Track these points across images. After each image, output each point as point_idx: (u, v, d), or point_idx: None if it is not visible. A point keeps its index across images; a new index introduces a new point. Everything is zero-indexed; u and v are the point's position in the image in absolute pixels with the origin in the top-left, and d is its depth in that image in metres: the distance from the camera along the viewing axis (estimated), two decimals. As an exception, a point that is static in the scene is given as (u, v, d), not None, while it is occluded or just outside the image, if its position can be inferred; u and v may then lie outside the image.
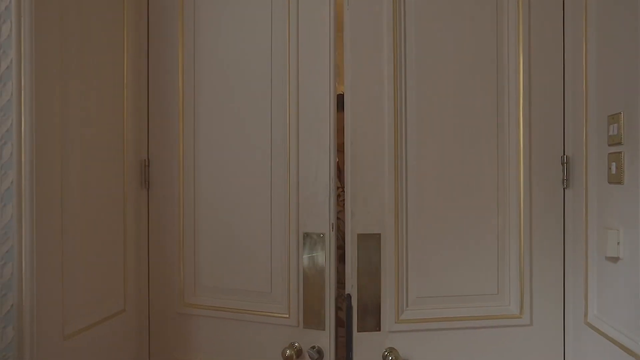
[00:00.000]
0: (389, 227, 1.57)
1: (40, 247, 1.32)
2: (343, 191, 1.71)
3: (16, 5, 1.28)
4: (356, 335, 1.57)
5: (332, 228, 1.58)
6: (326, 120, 1.59)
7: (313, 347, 1.59)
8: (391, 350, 1.57)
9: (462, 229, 1.59)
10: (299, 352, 1.60)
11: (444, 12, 1.60)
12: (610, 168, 1.38)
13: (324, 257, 1.58)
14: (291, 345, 1.61)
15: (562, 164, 1.60)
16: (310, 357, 1.58)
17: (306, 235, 1.60)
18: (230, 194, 1.71)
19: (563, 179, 1.60)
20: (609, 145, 1.39)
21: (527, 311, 1.60)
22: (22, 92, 1.28)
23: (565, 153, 1.60)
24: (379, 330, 1.58)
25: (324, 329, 1.59)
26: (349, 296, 1.57)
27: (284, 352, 1.59)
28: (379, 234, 1.57)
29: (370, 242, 1.57)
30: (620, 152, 1.33)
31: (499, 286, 1.61)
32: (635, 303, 1.27)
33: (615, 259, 1.36)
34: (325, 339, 1.59)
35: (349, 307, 1.57)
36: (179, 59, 1.76)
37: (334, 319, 1.60)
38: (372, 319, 1.57)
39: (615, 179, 1.35)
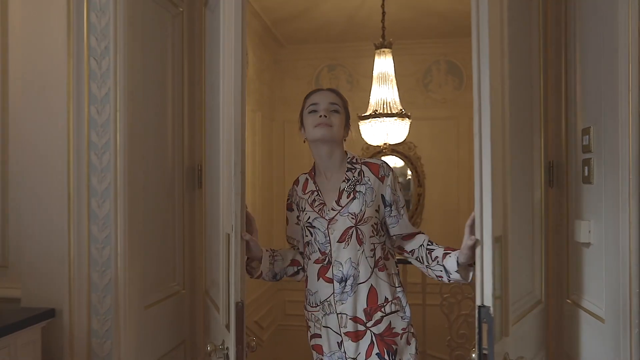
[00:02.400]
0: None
1: (129, 235, 1.74)
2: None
3: (113, 46, 1.70)
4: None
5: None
6: None
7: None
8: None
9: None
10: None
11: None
12: (583, 171, 1.77)
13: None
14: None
15: (550, 167, 1.98)
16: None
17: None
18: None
19: (549, 180, 1.99)
20: (583, 152, 1.78)
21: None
22: (117, 113, 1.71)
23: (551, 159, 1.99)
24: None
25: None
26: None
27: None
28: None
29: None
30: (590, 158, 1.73)
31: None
32: (601, 278, 1.66)
33: (587, 244, 1.76)
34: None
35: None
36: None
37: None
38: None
39: (587, 180, 1.74)
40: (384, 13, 4.32)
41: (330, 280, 1.74)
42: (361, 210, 1.72)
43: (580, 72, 1.82)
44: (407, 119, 4.24)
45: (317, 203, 1.78)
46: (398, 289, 1.80)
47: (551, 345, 1.91)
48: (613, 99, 1.55)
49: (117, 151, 1.71)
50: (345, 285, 1.72)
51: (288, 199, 1.91)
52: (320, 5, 4.80)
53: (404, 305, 1.79)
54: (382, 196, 1.77)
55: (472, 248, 1.43)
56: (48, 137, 1.72)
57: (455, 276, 1.64)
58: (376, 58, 4.35)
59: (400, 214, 1.79)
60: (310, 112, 1.80)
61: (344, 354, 1.74)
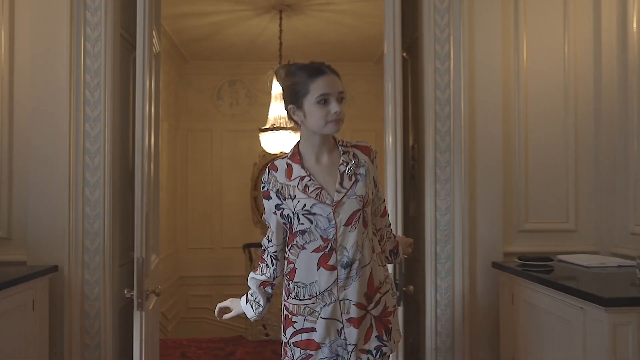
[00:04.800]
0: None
1: (113, 214, 2.59)
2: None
3: (103, 82, 2.56)
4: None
5: None
6: None
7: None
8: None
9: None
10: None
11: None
12: (412, 171, 2.96)
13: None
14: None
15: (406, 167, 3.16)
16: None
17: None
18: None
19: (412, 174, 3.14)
20: (412, 159, 2.96)
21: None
22: (105, 128, 2.56)
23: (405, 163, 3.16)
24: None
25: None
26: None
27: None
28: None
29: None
30: (414, 164, 2.91)
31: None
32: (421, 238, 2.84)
33: (414, 217, 2.94)
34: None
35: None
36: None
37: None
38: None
39: (412, 177, 2.93)
40: (281, 43, 5.38)
41: (333, 267, 1.72)
42: (366, 192, 1.76)
43: (411, 110, 3.02)
44: (299, 132, 5.34)
45: (312, 188, 1.74)
46: (385, 268, 1.87)
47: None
48: (423, 129, 2.75)
49: (105, 155, 2.56)
50: (350, 270, 1.72)
51: (263, 186, 1.82)
52: (226, 30, 5.75)
53: (391, 282, 1.89)
54: (373, 177, 1.83)
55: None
56: (53, 145, 2.52)
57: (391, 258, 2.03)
58: (274, 80, 5.40)
59: (379, 192, 1.88)
60: (320, 103, 1.70)
61: (344, 341, 1.74)
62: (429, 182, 2.73)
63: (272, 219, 1.84)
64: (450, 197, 2.72)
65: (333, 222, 1.73)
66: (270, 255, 1.88)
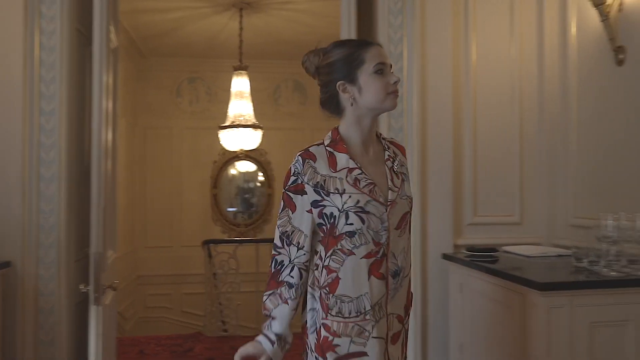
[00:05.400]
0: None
1: (68, 208, 2.59)
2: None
3: (59, 76, 2.55)
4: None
5: None
6: None
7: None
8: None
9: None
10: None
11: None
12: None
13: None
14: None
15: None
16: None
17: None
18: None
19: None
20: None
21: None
22: (60, 122, 2.56)
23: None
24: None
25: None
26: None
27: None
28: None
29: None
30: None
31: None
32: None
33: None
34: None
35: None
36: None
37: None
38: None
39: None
40: (241, 41, 5.42)
41: (383, 277, 1.51)
42: (411, 193, 1.62)
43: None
44: (259, 129, 5.39)
45: (364, 183, 1.51)
46: None
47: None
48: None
49: (61, 149, 2.55)
50: (398, 280, 1.55)
51: (295, 180, 1.53)
52: (185, 27, 5.74)
53: None
54: None
55: None
56: (6, 138, 2.50)
57: None
58: (234, 78, 5.44)
59: None
60: (377, 73, 1.52)
61: None
62: (383, 177, 2.84)
63: (304, 220, 1.53)
64: (403, 191, 2.83)
65: (386, 223, 1.51)
66: (299, 268, 1.54)
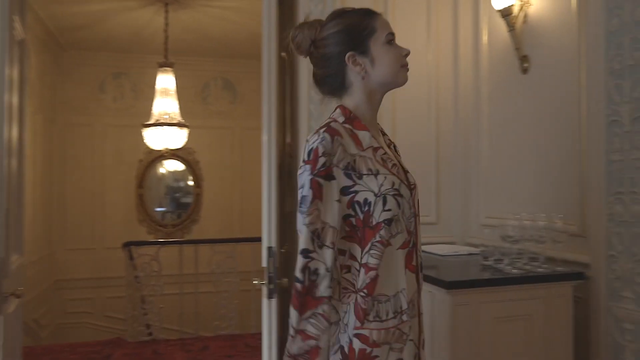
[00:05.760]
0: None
1: (-36, 211, 2.42)
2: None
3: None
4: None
5: None
6: None
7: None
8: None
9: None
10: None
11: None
12: (289, 171, 3.06)
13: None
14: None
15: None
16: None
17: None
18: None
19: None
20: (290, 157, 3.06)
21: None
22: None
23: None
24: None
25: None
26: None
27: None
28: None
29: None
30: (291, 162, 3.02)
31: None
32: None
33: (290, 212, 3.04)
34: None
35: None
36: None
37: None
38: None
39: (289, 177, 3.03)
40: (167, 37, 5.27)
41: (416, 270, 1.35)
42: None
43: (290, 111, 3.12)
44: (185, 128, 5.27)
45: (391, 164, 1.34)
46: None
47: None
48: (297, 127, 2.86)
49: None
50: (422, 274, 1.41)
51: (323, 164, 1.26)
52: (108, 20, 5.51)
53: None
54: None
55: None
56: None
57: None
58: (159, 75, 5.28)
59: None
60: (390, 43, 1.39)
61: None
62: (303, 178, 2.85)
63: (335, 212, 1.26)
64: (323, 192, 2.86)
65: (413, 209, 1.37)
66: (334, 275, 1.26)
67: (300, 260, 1.25)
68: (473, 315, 2.01)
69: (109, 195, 6.67)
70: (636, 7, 1.94)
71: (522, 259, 2.26)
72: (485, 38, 2.93)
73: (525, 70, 2.62)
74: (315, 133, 1.31)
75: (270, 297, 2.66)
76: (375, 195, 1.28)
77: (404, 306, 1.30)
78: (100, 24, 5.62)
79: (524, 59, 2.62)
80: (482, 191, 2.96)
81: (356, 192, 1.29)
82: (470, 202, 3.06)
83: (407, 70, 1.42)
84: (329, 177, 1.27)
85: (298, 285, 1.25)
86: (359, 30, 1.37)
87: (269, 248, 2.66)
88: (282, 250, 3.12)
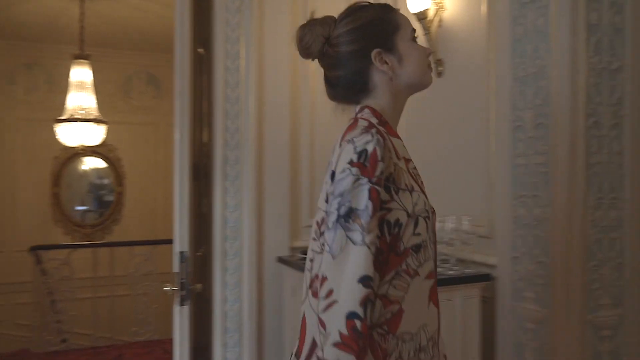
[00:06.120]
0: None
1: None
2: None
3: None
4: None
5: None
6: None
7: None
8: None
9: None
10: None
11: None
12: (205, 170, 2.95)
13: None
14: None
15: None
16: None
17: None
18: None
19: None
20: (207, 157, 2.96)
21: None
22: None
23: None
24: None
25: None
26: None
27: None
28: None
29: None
30: (206, 162, 2.91)
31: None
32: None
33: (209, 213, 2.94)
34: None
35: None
36: None
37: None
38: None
39: (205, 176, 2.93)
40: (82, 27, 4.98)
41: (437, 304, 1.19)
42: None
43: (208, 109, 3.01)
44: (103, 124, 5.01)
45: (420, 180, 1.21)
46: None
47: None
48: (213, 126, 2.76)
49: None
50: None
51: (383, 168, 1.07)
52: (16, 6, 5.13)
53: None
54: None
55: None
56: None
57: None
58: (74, 67, 4.99)
59: None
60: (414, 41, 1.25)
61: None
62: (218, 179, 2.76)
63: (374, 228, 1.04)
64: (239, 194, 2.78)
65: (434, 235, 1.20)
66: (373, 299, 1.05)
67: (358, 291, 0.99)
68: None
69: (20, 194, 6.21)
70: (539, 16, 1.99)
71: (433, 261, 2.28)
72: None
73: (440, 74, 2.65)
74: (362, 132, 1.08)
75: (182, 304, 2.55)
76: (408, 215, 1.10)
77: (423, 343, 1.11)
78: (8, 9, 5.22)
79: (439, 62, 2.65)
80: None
81: (389, 209, 1.08)
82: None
83: (432, 71, 1.31)
84: (379, 186, 1.05)
85: (357, 323, 0.98)
86: (384, 25, 1.22)
87: (181, 253, 2.56)
88: (198, 254, 3.01)
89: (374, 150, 1.05)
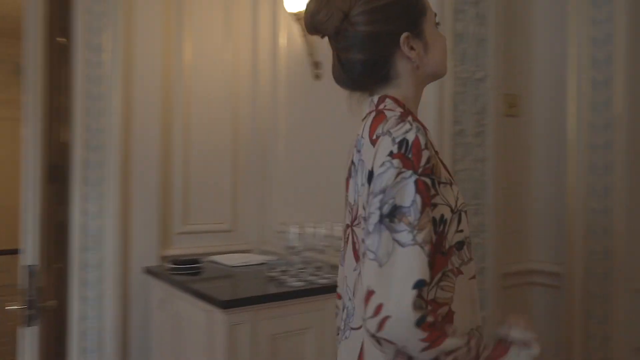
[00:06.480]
0: None
1: None
2: None
3: None
4: None
5: None
6: None
7: None
8: None
9: None
10: None
11: None
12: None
13: None
14: None
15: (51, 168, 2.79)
16: None
17: None
18: None
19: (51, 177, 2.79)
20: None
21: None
22: None
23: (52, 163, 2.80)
24: None
25: None
26: None
27: None
28: None
29: None
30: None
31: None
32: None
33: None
34: None
35: None
36: None
37: None
38: None
39: (57, 179, 2.64)
40: None
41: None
42: None
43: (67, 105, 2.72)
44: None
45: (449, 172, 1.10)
46: None
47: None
48: (71, 124, 2.49)
49: None
50: None
51: (429, 157, 0.96)
52: None
53: None
54: None
55: None
56: None
57: None
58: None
59: None
60: (437, 26, 1.14)
61: None
62: (77, 184, 2.50)
63: (425, 224, 0.91)
64: (102, 199, 2.53)
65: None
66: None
67: (412, 295, 0.86)
68: (250, 334, 1.89)
69: None
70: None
71: (308, 269, 2.21)
72: (282, 41, 2.87)
73: (317, 77, 2.60)
74: (398, 122, 0.97)
75: (29, 324, 2.27)
76: (452, 211, 1.01)
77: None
78: None
79: (316, 64, 2.60)
80: (278, 197, 2.89)
81: (435, 205, 0.97)
82: (267, 208, 2.98)
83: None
84: (429, 176, 0.94)
85: (424, 321, 0.88)
86: (412, 6, 1.08)
87: (29, 266, 2.27)
88: (56, 266, 2.71)
89: (416, 138, 0.94)
